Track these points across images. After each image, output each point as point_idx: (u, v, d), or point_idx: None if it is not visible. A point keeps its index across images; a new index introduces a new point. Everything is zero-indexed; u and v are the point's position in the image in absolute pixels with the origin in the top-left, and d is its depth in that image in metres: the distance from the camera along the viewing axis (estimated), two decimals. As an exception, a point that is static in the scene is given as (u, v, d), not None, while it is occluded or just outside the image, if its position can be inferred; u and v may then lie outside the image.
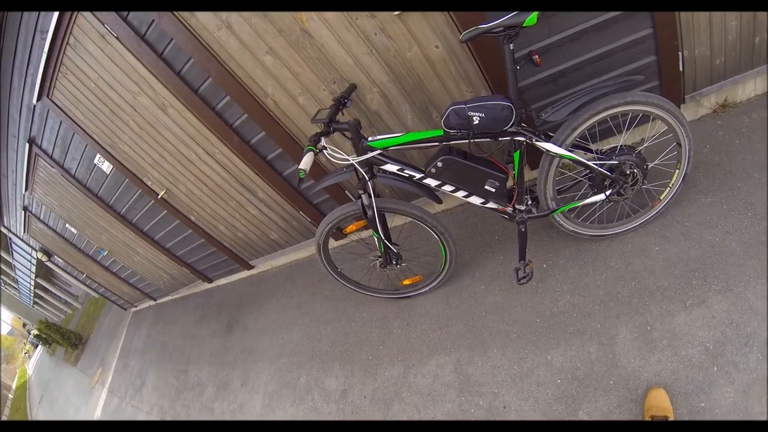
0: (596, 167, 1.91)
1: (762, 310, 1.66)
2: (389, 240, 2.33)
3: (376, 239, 2.33)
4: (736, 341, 1.65)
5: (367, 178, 2.01)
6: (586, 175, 2.02)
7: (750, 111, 2.26)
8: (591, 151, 1.95)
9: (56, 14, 2.58)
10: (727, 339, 1.67)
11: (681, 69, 2.16)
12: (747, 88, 2.29)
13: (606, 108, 1.78)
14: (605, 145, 2.00)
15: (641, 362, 1.79)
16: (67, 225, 5.48)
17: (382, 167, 2.02)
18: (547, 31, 2.06)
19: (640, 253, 2.08)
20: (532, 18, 1.58)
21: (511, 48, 1.68)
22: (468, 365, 2.26)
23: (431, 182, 2.02)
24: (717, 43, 2.11)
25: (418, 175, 2.01)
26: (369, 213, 2.13)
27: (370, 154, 1.96)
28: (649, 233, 2.12)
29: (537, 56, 1.73)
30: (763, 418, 1.48)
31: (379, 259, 2.46)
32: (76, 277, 7.44)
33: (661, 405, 1.63)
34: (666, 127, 1.91)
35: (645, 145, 2.00)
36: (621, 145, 1.93)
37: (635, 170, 1.92)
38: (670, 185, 2.04)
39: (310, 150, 1.77)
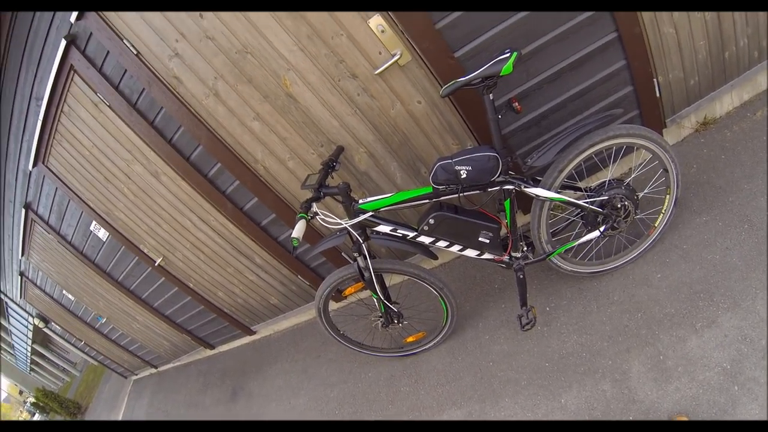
0: (587, 205, 1.91)
1: None
2: (389, 299, 2.30)
3: (375, 300, 2.30)
4: (752, 356, 1.61)
5: (361, 241, 2.00)
6: (579, 214, 2.03)
7: (730, 124, 2.31)
8: (580, 189, 1.96)
9: (50, 83, 2.63)
10: (743, 356, 1.63)
11: (658, 95, 2.22)
12: (724, 102, 2.35)
13: (590, 146, 1.81)
14: (594, 181, 2.01)
15: (659, 393, 1.73)
16: (64, 291, 5.39)
17: (375, 228, 2.01)
18: (525, 76, 2.12)
19: (642, 283, 2.06)
20: (508, 66, 1.63)
21: (491, 98, 1.72)
22: (480, 417, 2.18)
23: (425, 239, 2.01)
24: (689, 65, 2.18)
25: (411, 234, 2.00)
26: (366, 275, 2.10)
27: (362, 217, 1.96)
28: (649, 262, 2.11)
29: (517, 103, 1.76)
30: None
31: (381, 320, 2.41)
32: (74, 345, 7.27)
33: None
34: (651, 155, 1.93)
35: (633, 176, 2.02)
36: (609, 180, 1.94)
37: (626, 202, 1.93)
38: (663, 211, 2.05)
39: (302, 217, 1.77)
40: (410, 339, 2.62)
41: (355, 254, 2.05)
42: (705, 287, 1.87)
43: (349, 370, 3.02)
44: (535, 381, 2.11)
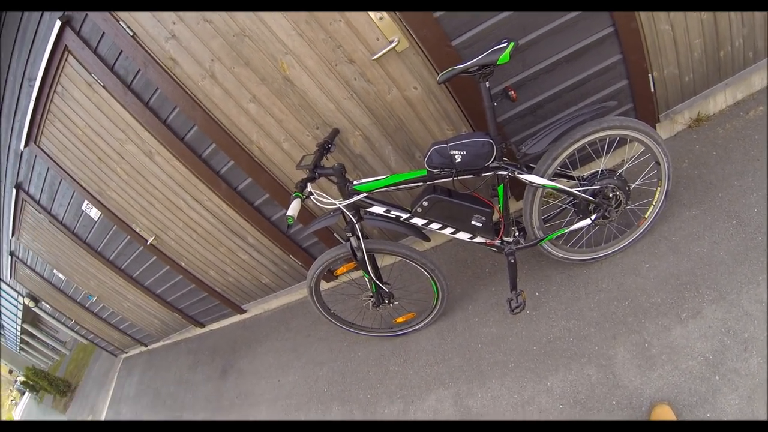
0: (579, 194, 1.95)
1: (757, 315, 1.68)
2: (380, 280, 2.34)
3: (367, 280, 2.34)
4: (734, 348, 1.66)
5: (355, 221, 2.03)
6: (571, 202, 2.07)
7: (723, 122, 2.34)
8: (573, 178, 2.00)
9: (44, 62, 2.61)
10: (725, 347, 1.68)
11: (653, 90, 2.24)
12: (718, 100, 2.38)
13: (584, 136, 1.83)
14: (586, 171, 2.05)
15: (642, 380, 1.78)
16: (54, 271, 5.37)
17: (369, 209, 2.05)
18: (522, 65, 2.14)
19: (630, 273, 2.10)
20: (505, 56, 1.65)
21: (488, 86, 1.74)
22: (468, 398, 2.23)
23: (418, 221, 2.05)
24: (684, 62, 2.20)
25: (404, 216, 2.04)
26: (358, 255, 2.14)
27: (356, 198, 1.98)
28: (638, 252, 2.15)
29: (513, 92, 1.78)
30: None
31: (372, 300, 2.45)
32: (64, 324, 7.25)
33: (667, 420, 1.63)
34: (643, 147, 1.96)
35: (625, 167, 2.06)
36: (602, 170, 1.98)
37: (618, 193, 1.97)
38: (654, 203, 2.09)
39: (297, 197, 1.79)
40: (400, 319, 2.67)
41: (348, 234, 2.08)
42: (692, 279, 1.92)
43: (338, 349, 3.07)
44: (522, 364, 2.16)
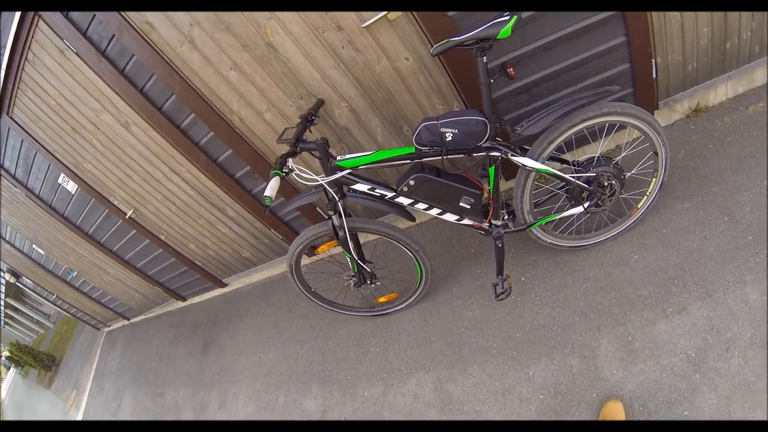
0: (574, 180, 1.88)
1: (742, 315, 1.66)
2: (363, 259, 2.27)
3: (348, 260, 2.26)
4: (717, 347, 1.65)
5: (337, 199, 1.94)
6: (564, 187, 1.99)
7: (722, 115, 2.29)
8: (567, 162, 1.92)
9: (14, 28, 2.46)
10: (708, 345, 1.67)
11: (654, 76, 2.17)
12: (719, 92, 2.32)
13: (582, 120, 1.75)
14: (581, 155, 1.97)
15: (624, 373, 1.77)
16: (34, 246, 5.26)
17: (353, 187, 1.95)
18: (521, 41, 2.03)
19: (619, 263, 2.07)
20: (506, 30, 1.53)
21: (485, 61, 1.63)
22: (448, 383, 2.20)
23: (404, 201, 1.96)
24: (689, 50, 2.13)
25: (389, 194, 1.95)
26: (340, 234, 2.06)
27: (339, 174, 1.89)
28: (628, 242, 2.11)
29: (511, 69, 1.67)
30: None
31: (353, 279, 2.39)
32: (46, 298, 7.16)
33: (615, 418, 1.63)
34: (642, 136, 1.89)
35: (622, 155, 1.98)
36: (598, 156, 1.90)
37: (613, 181, 1.90)
38: (648, 193, 2.04)
39: (275, 174, 1.66)
40: (382, 299, 2.62)
41: (330, 212, 2.00)
42: (679, 273, 1.89)
43: (319, 327, 3.04)
44: (504, 350, 2.13)
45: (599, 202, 1.95)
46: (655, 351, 1.75)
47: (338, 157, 1.89)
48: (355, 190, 1.97)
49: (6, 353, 10.96)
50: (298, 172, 1.84)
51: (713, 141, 2.21)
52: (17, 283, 7.27)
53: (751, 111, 2.22)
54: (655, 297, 1.88)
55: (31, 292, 7.39)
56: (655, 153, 1.93)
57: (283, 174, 1.69)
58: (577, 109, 1.74)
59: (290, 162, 1.80)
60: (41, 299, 7.55)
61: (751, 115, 2.21)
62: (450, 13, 1.93)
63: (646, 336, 1.80)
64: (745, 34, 2.10)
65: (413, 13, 1.94)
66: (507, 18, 1.53)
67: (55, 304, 7.10)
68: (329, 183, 1.90)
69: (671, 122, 2.40)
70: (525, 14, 1.92)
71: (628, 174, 1.98)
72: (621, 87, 2.17)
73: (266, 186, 1.60)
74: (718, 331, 1.68)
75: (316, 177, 1.87)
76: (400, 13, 1.94)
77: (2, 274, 7.12)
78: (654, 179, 2.01)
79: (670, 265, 1.93)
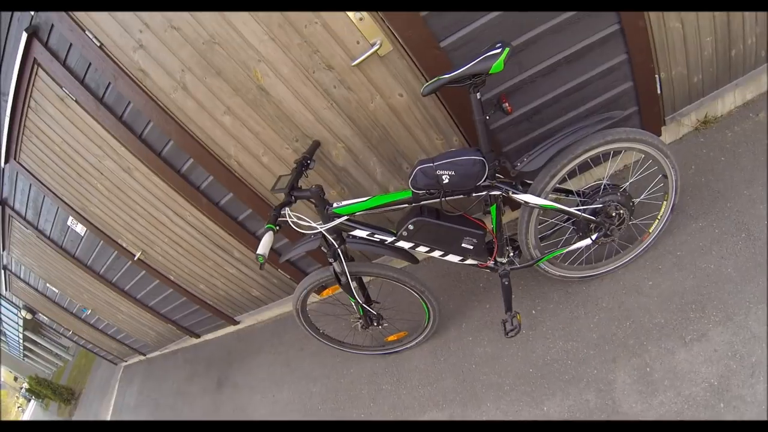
0: (580, 213, 1.80)
1: (765, 337, 1.57)
2: (368, 301, 2.22)
3: (353, 303, 2.21)
4: (741, 373, 1.56)
5: (337, 245, 1.89)
6: (569, 220, 1.91)
7: (732, 124, 2.20)
8: (572, 193, 1.84)
9: (15, 77, 2.50)
10: (731, 372, 1.58)
11: (659, 92, 2.10)
12: (726, 101, 2.24)
13: (585, 150, 1.68)
14: (588, 179, 1.89)
15: (643, 406, 1.68)
16: (47, 284, 5.32)
17: (351, 233, 1.91)
18: (518, 68, 1.98)
19: (632, 291, 1.98)
20: (498, 63, 1.48)
21: (478, 97, 1.58)
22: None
23: (404, 245, 1.91)
24: (693, 61, 2.06)
25: (389, 239, 1.90)
26: (342, 280, 2.00)
27: (337, 221, 1.84)
28: (641, 268, 2.02)
29: (507, 103, 1.61)
30: None
31: (360, 321, 2.34)
32: (62, 334, 7.22)
33: None
34: (650, 160, 1.82)
35: (629, 181, 1.91)
36: (604, 184, 1.82)
37: (621, 210, 1.82)
38: (659, 217, 1.95)
39: (269, 229, 1.59)
40: (392, 338, 2.56)
41: (331, 260, 1.95)
42: (697, 298, 1.80)
43: (331, 365, 2.98)
44: (518, 386, 2.05)
45: (608, 232, 1.87)
46: (675, 381, 1.66)
47: (334, 204, 1.84)
48: (354, 236, 1.93)
49: (26, 385, 11.09)
50: (295, 220, 1.80)
51: (724, 153, 2.12)
52: (34, 319, 7.35)
53: (761, 117, 2.14)
54: (673, 324, 1.79)
55: (48, 326, 7.47)
56: (665, 176, 1.85)
57: (277, 228, 1.63)
58: (578, 140, 1.67)
59: (287, 210, 1.75)
60: (59, 333, 7.63)
61: (762, 122, 2.12)
62: (443, 45, 1.88)
63: (665, 366, 1.71)
64: (750, 39, 2.04)
65: (404, 47, 1.90)
66: (499, 50, 1.49)
67: (72, 340, 7.16)
68: (328, 230, 1.85)
69: (679, 137, 2.32)
70: (519, 41, 1.87)
71: (637, 200, 1.90)
72: (623, 111, 2.07)
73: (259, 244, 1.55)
74: (742, 357, 1.58)
75: (314, 224, 1.83)
76: (390, 48, 1.92)
77: (20, 310, 7.21)
78: (665, 202, 1.92)
79: (686, 289, 1.84)
